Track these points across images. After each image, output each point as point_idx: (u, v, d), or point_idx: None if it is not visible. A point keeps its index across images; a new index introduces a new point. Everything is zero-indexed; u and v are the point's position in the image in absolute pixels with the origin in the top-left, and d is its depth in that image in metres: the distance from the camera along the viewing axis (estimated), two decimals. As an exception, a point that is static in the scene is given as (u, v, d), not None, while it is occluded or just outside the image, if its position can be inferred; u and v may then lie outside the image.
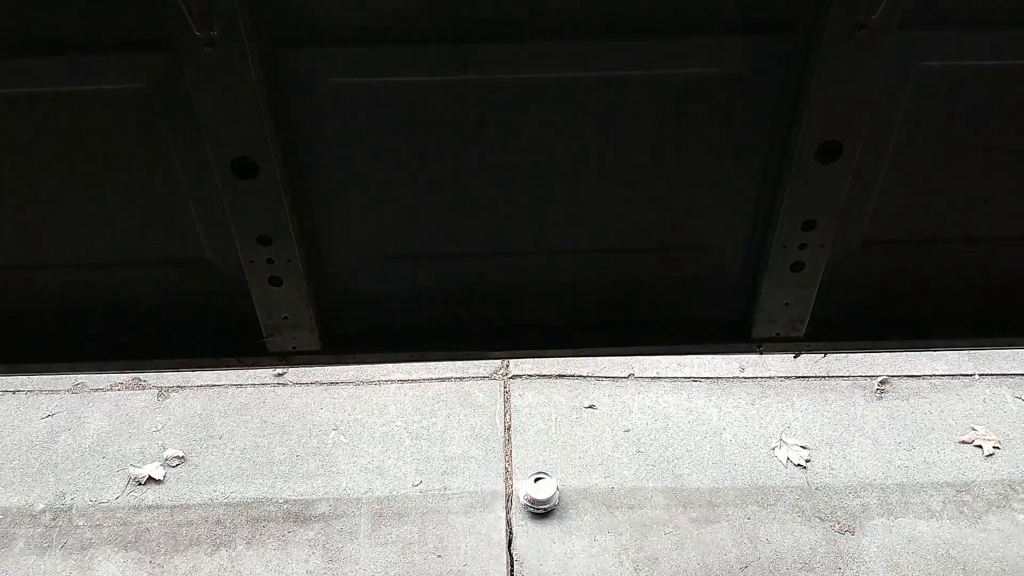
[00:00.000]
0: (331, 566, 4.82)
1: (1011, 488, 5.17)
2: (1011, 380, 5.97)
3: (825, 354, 3.16)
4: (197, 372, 3.28)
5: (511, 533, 4.95)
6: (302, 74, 2.41)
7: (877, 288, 2.96)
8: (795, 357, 3.15)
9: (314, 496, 5.24)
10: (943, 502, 5.06)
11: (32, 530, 5.08)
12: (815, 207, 2.62)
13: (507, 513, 5.09)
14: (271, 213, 2.58)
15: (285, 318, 2.88)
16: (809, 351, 3.04)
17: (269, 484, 5.33)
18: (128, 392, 6.05)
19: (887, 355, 5.91)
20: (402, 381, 6.05)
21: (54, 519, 5.16)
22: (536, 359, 5.78)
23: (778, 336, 2.98)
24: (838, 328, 3.00)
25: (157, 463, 5.49)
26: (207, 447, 5.60)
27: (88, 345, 3.01)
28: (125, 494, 5.32)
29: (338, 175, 2.63)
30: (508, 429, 5.61)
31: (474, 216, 2.73)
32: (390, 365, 5.42)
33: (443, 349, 3.00)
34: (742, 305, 2.98)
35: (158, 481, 5.38)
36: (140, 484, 5.37)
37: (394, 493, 5.24)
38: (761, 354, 3.06)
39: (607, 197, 2.70)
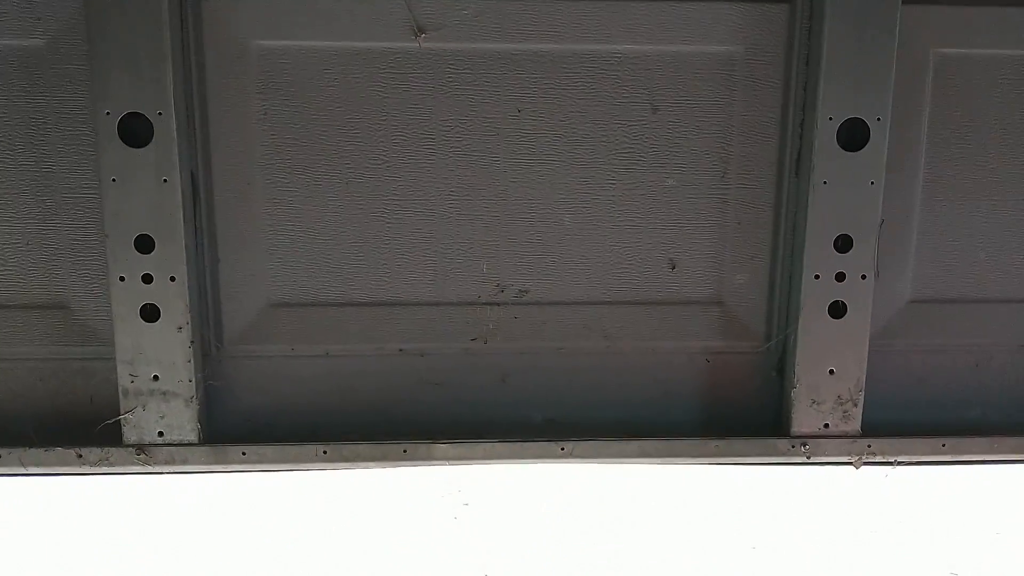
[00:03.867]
0: None
1: None
2: None
3: (896, 463, 2.30)
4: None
5: None
6: None
7: None
8: (856, 468, 2.30)
9: None
10: None
11: None
12: (848, 216, 2.11)
13: None
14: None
15: (156, 378, 2.10)
16: (872, 458, 2.23)
17: None
18: None
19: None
20: None
21: None
22: None
23: (826, 430, 2.21)
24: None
25: None
26: None
27: None
28: None
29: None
30: None
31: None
32: None
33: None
34: (771, 383, 2.26)
35: None
36: None
37: None
38: (809, 463, 2.24)
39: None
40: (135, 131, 2.01)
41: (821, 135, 2.07)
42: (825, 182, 2.09)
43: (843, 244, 2.12)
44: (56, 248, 2.14)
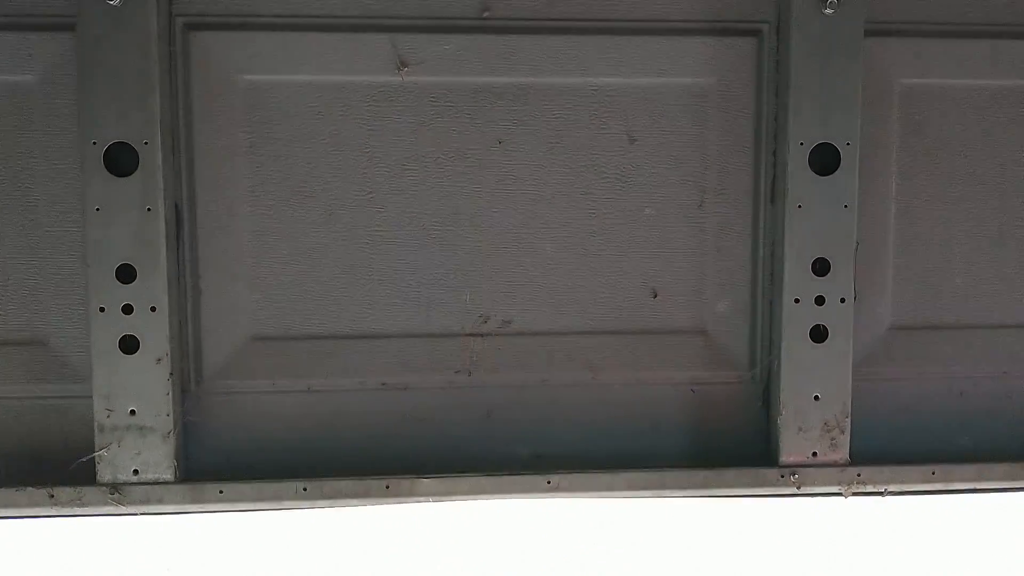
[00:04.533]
0: None
1: None
2: None
3: (885, 492, 2.25)
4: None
5: None
6: None
7: None
8: (846, 498, 2.24)
9: None
10: None
11: None
12: (824, 239, 2.14)
13: None
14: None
15: (132, 412, 2.05)
16: (862, 488, 2.19)
17: None
18: None
19: None
20: None
21: None
22: None
23: (815, 459, 2.18)
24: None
25: None
26: None
27: None
28: None
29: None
30: None
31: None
32: None
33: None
34: (757, 412, 2.24)
35: None
36: None
37: None
38: (798, 494, 2.20)
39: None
40: (120, 162, 2.03)
41: (793, 160, 2.13)
42: (800, 206, 2.13)
43: (820, 267, 2.15)
44: (36, 283, 2.12)
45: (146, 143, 2.02)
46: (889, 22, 2.21)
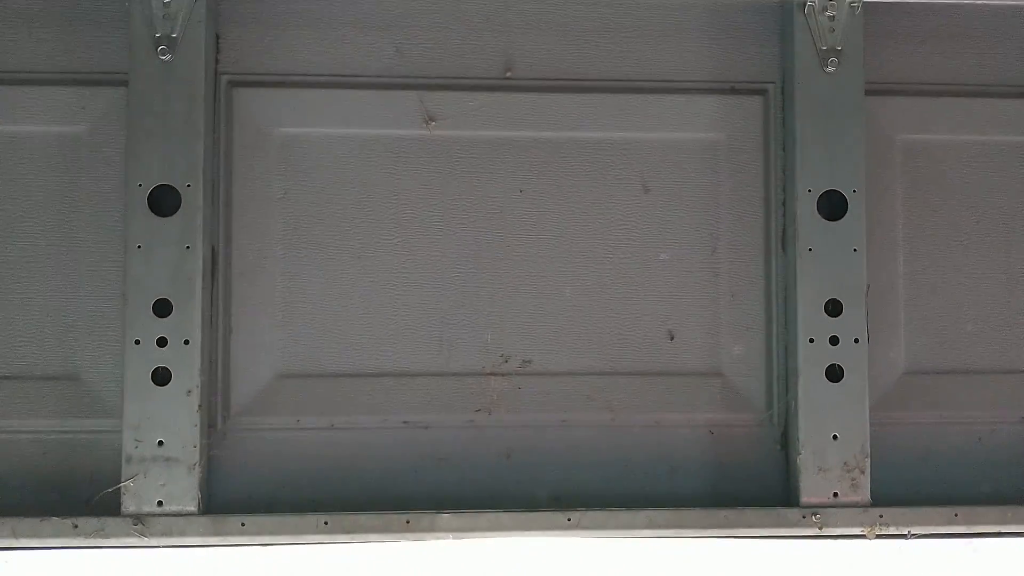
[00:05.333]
0: None
1: None
2: None
3: (909, 534, 2.21)
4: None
5: None
6: None
7: None
8: (870, 539, 2.19)
9: None
10: None
11: None
12: (835, 281, 2.21)
13: None
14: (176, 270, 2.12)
15: (160, 443, 2.10)
16: (884, 529, 2.18)
17: None
18: None
19: None
20: None
21: None
22: None
23: (836, 499, 2.17)
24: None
25: None
26: None
27: None
28: None
29: None
30: None
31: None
32: None
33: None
34: (776, 454, 2.25)
35: None
36: None
37: None
38: (821, 535, 2.18)
39: None
40: (163, 204, 2.16)
41: (802, 206, 2.22)
42: (810, 249, 2.22)
43: (833, 308, 2.21)
44: (73, 320, 2.21)
45: (189, 185, 2.14)
46: (889, 83, 2.35)
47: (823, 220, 2.23)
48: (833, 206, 2.24)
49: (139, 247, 2.14)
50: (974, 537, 2.20)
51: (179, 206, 2.15)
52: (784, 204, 2.29)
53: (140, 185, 2.14)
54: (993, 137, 2.37)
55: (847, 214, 2.22)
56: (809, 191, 2.22)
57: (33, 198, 2.23)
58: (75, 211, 2.23)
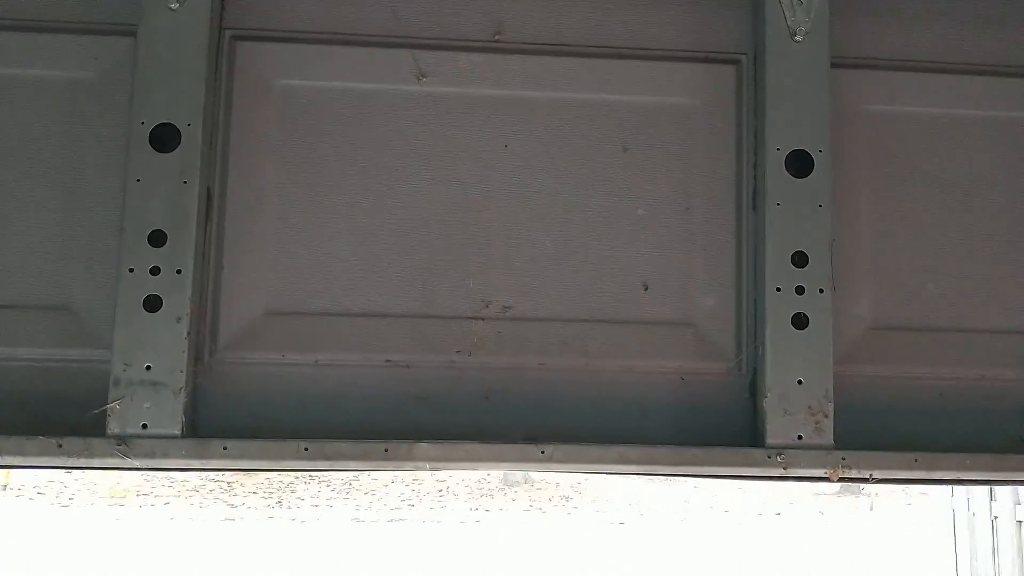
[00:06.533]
0: None
1: None
2: None
3: (871, 478, 2.27)
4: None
5: None
6: None
7: None
8: (833, 482, 2.25)
9: None
10: None
11: None
12: (802, 234, 2.32)
13: None
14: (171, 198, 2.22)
15: (148, 368, 2.17)
16: (847, 472, 2.25)
17: None
18: None
19: None
20: None
21: None
22: None
23: (800, 441, 2.26)
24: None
25: None
26: None
27: None
28: None
29: None
30: None
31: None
32: None
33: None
34: (744, 400, 2.33)
35: None
36: None
37: None
38: (786, 476, 2.25)
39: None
40: (163, 143, 2.27)
41: (771, 164, 2.35)
42: (778, 204, 2.33)
43: (799, 260, 2.32)
44: (68, 251, 2.30)
45: (189, 124, 2.26)
46: (857, 56, 2.49)
47: (791, 177, 2.35)
48: (801, 164, 2.36)
49: (138, 180, 2.24)
50: (933, 484, 2.28)
51: (179, 143, 2.26)
52: (755, 165, 2.42)
53: (143, 123, 2.26)
54: (956, 111, 2.51)
55: (813, 171, 2.35)
56: (778, 149, 2.35)
57: (39, 140, 2.34)
58: (79, 153, 2.33)
